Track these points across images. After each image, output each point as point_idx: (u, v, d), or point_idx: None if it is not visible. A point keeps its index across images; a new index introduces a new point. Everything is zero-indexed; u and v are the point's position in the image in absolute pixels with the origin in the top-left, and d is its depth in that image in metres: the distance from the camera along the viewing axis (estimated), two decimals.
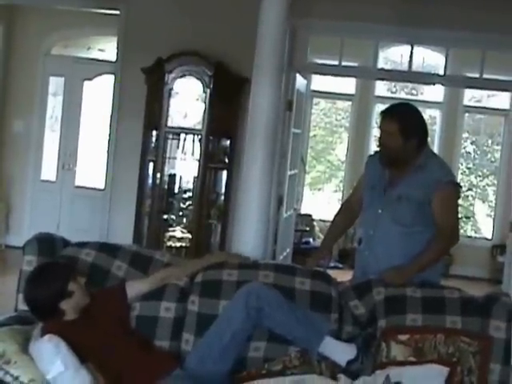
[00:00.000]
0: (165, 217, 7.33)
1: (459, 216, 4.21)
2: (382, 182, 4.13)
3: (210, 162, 7.18)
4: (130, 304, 3.65)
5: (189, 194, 7.36)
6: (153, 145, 7.33)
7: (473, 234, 11.76)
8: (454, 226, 4.11)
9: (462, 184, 11.41)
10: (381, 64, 9.53)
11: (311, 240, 10.72)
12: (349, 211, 4.51)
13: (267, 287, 3.58)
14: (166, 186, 7.34)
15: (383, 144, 4.06)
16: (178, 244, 7.15)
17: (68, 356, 3.13)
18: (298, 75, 7.39)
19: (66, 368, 3.09)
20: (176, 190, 7.43)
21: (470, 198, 12.06)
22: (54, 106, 10.08)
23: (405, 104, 4.30)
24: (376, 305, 3.68)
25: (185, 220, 7.31)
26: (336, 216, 4.56)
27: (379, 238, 4.07)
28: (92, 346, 3.31)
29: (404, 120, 3.99)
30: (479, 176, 12.07)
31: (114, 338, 3.42)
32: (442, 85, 9.54)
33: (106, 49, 9.83)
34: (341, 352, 3.46)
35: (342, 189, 11.86)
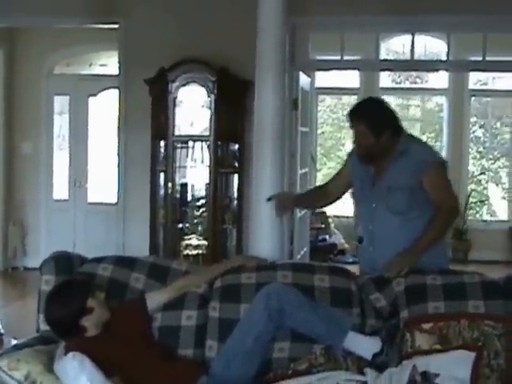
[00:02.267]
0: (180, 226, 7.34)
1: (452, 189, 4.19)
2: (368, 176, 4.14)
3: (220, 168, 7.18)
4: (151, 316, 3.65)
5: (202, 201, 7.37)
6: (162, 155, 7.33)
7: (488, 217, 11.72)
8: (451, 200, 4.11)
9: (474, 169, 11.54)
10: (383, 55, 9.50)
11: (327, 237, 10.71)
12: (326, 192, 4.55)
13: (287, 287, 3.56)
14: (178, 195, 7.35)
15: (359, 144, 4.08)
16: (195, 252, 7.15)
17: (93, 372, 3.12)
18: (301, 73, 7.39)
19: None
20: (189, 199, 7.43)
21: (483, 182, 12.01)
22: (61, 124, 10.12)
23: (368, 100, 4.27)
24: (397, 296, 3.66)
25: (200, 227, 7.31)
26: (311, 189, 4.58)
27: (380, 232, 4.07)
28: (116, 361, 3.30)
29: (370, 117, 4.00)
30: (490, 159, 12.02)
31: (138, 352, 3.41)
32: (446, 70, 9.52)
33: (108, 63, 9.85)
34: (365, 346, 3.45)
35: None
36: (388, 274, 3.80)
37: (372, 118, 4.01)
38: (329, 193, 4.52)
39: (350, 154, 4.42)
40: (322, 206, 4.76)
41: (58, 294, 3.51)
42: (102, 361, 3.22)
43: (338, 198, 4.57)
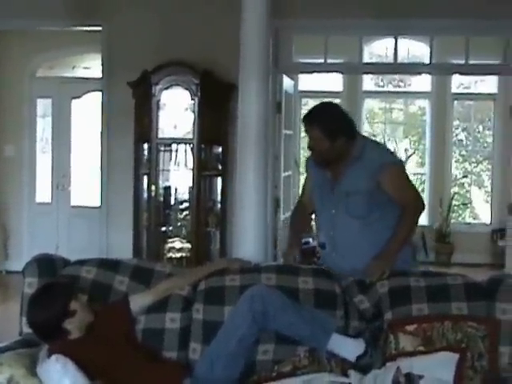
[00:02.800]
0: (163, 229, 7.32)
1: (414, 185, 4.27)
2: (326, 182, 4.14)
3: (203, 171, 7.17)
4: (134, 318, 3.64)
5: (185, 204, 7.35)
6: (145, 158, 7.31)
7: (471, 220, 11.76)
8: (414, 196, 4.15)
9: (456, 172, 11.58)
10: (366, 59, 9.52)
11: (311, 240, 10.69)
12: (303, 211, 4.52)
13: (270, 289, 3.56)
14: (161, 199, 7.33)
15: (313, 149, 4.07)
16: (178, 255, 7.14)
17: (76, 375, 3.11)
18: (284, 76, 7.40)
19: None
20: (172, 202, 7.41)
21: (466, 185, 12.05)
22: (44, 127, 10.07)
23: (322, 105, 4.24)
24: (381, 298, 3.67)
25: (183, 230, 7.30)
26: (293, 217, 4.58)
27: (341, 237, 4.08)
28: (100, 363, 3.29)
29: (325, 123, 3.98)
30: (473, 162, 12.06)
31: (122, 353, 3.40)
32: (429, 74, 9.57)
33: (92, 66, 9.80)
34: (349, 348, 3.45)
35: None
36: (369, 279, 3.80)
37: (326, 123, 3.99)
38: (308, 207, 4.47)
39: (307, 161, 4.41)
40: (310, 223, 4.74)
41: (41, 297, 3.49)
42: (85, 363, 3.21)
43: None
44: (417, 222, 4.16)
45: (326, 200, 4.13)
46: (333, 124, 4.00)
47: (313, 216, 4.47)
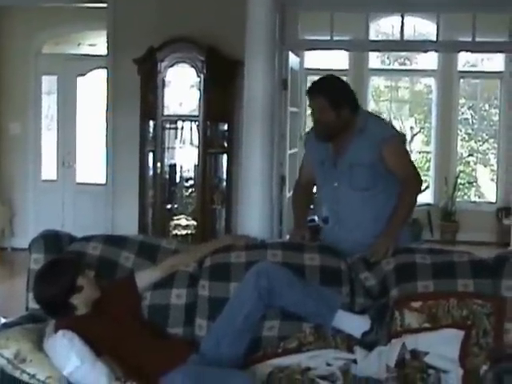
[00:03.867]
0: (168, 206, 7.33)
1: (413, 162, 4.29)
2: (328, 155, 4.13)
3: (209, 148, 7.16)
4: (140, 294, 3.65)
5: (191, 181, 7.35)
6: (151, 135, 7.31)
7: (477, 199, 11.75)
8: (414, 171, 4.15)
9: (462, 150, 11.56)
10: (372, 37, 9.49)
11: (316, 218, 10.70)
12: (304, 192, 4.52)
13: (276, 266, 3.57)
14: (167, 176, 7.33)
15: (317, 120, 4.08)
16: (184, 232, 7.15)
17: (83, 350, 3.13)
18: (290, 53, 7.36)
19: (82, 362, 3.08)
20: (177, 180, 7.41)
21: (472, 164, 12.04)
22: (49, 104, 10.07)
23: (326, 77, 4.27)
24: (386, 275, 3.67)
25: (189, 208, 7.30)
26: (294, 197, 4.57)
27: (345, 210, 4.08)
28: (106, 339, 3.31)
29: (330, 93, 4.01)
30: (479, 141, 12.03)
31: (128, 329, 3.42)
32: (435, 51, 9.49)
33: (97, 43, 9.78)
34: (355, 324, 3.46)
35: None
36: (374, 259, 3.80)
37: (331, 92, 4.01)
38: (307, 190, 4.49)
39: (306, 139, 4.42)
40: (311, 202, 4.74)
41: (48, 273, 3.50)
42: (91, 339, 3.22)
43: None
44: (416, 198, 4.16)
45: (328, 174, 4.13)
46: (337, 94, 4.03)
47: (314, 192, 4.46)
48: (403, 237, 4.08)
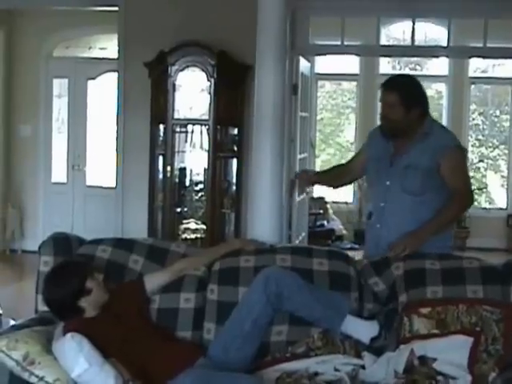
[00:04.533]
0: (178, 210, 7.33)
1: (471, 180, 4.27)
2: (386, 154, 4.15)
3: (219, 152, 7.16)
4: (149, 297, 3.65)
5: (200, 185, 7.35)
6: (161, 139, 7.31)
7: (487, 205, 11.71)
8: (468, 188, 4.15)
9: (472, 156, 11.54)
10: (383, 42, 9.48)
11: (325, 222, 10.72)
12: (342, 170, 4.62)
13: (285, 270, 3.57)
14: (177, 180, 7.33)
15: (386, 116, 4.09)
16: (193, 236, 7.15)
17: (91, 353, 3.13)
18: (301, 58, 7.36)
19: (90, 365, 3.09)
20: (187, 183, 7.42)
21: (482, 170, 12.00)
22: (60, 107, 10.10)
23: (404, 75, 4.34)
24: (396, 280, 3.67)
25: (198, 211, 7.30)
26: (335, 166, 4.62)
27: (390, 210, 4.10)
28: (114, 341, 3.31)
29: (405, 90, 4.03)
30: (490, 147, 12.01)
31: (136, 332, 3.42)
32: (446, 57, 9.51)
33: (108, 47, 9.81)
34: (363, 330, 3.46)
35: None
36: (391, 253, 3.80)
37: (406, 90, 4.03)
38: (346, 173, 4.56)
39: (370, 134, 4.46)
40: (338, 186, 4.80)
41: (57, 275, 3.51)
42: (99, 341, 3.23)
43: (352, 180, 4.64)
44: (461, 212, 4.15)
45: (383, 172, 4.14)
46: (412, 94, 4.05)
47: (341, 187, 4.51)
48: (446, 243, 4.13)
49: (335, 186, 4.93)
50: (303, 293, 3.45)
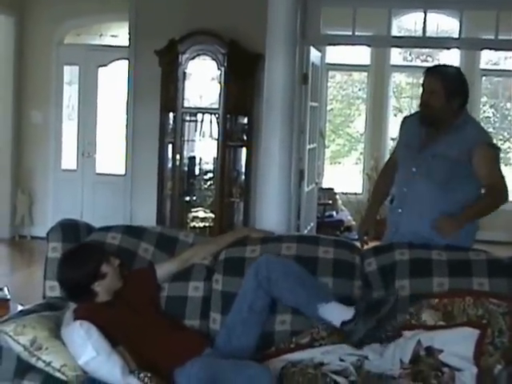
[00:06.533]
0: (187, 198, 7.35)
1: (502, 172, 4.19)
2: (416, 140, 4.15)
3: (228, 141, 7.18)
4: (159, 285, 3.66)
5: (209, 174, 7.37)
6: (170, 127, 7.33)
7: None
8: (503, 183, 4.11)
9: None
10: (395, 33, 9.46)
11: (334, 213, 10.71)
12: (386, 177, 4.53)
13: (278, 257, 3.60)
14: (186, 168, 7.35)
15: (425, 103, 4.08)
16: (202, 224, 7.18)
17: (99, 341, 3.13)
18: (312, 48, 7.35)
19: (97, 353, 3.09)
20: (196, 172, 7.43)
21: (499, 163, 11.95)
22: (70, 94, 10.10)
23: (449, 65, 4.35)
24: (401, 268, 3.65)
25: (207, 200, 7.32)
26: (376, 183, 4.62)
27: (413, 196, 4.10)
28: (124, 328, 3.32)
29: (449, 79, 4.04)
30: (500, 140, 11.97)
31: (146, 319, 3.43)
32: (458, 48, 9.46)
33: (119, 34, 9.82)
34: (337, 313, 3.41)
35: (362, 161, 11.81)
36: (441, 232, 3.82)
37: (450, 79, 4.04)
38: (392, 175, 4.46)
39: (403, 120, 4.46)
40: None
41: (74, 256, 3.53)
42: (109, 327, 3.24)
43: None
44: (496, 206, 4.11)
45: (410, 158, 4.15)
46: (455, 84, 4.05)
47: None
48: (469, 235, 4.17)
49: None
50: (289, 277, 3.45)
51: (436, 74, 4.07)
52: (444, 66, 4.33)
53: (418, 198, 4.08)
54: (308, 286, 3.48)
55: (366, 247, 4.15)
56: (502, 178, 4.14)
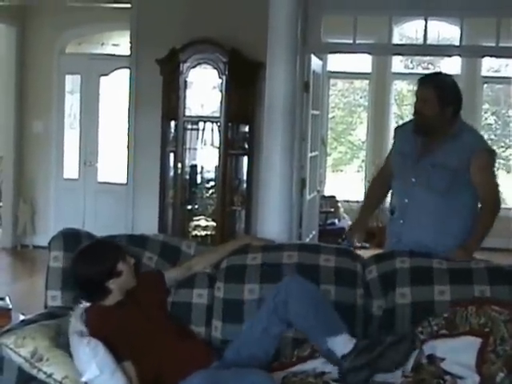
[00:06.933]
0: (189, 207, 7.35)
1: (497, 181, 4.23)
2: (413, 150, 4.14)
3: (230, 149, 7.18)
4: (168, 289, 3.65)
5: (211, 183, 7.37)
6: (172, 135, 7.33)
7: None
8: (495, 191, 4.14)
9: None
10: (396, 41, 9.47)
11: (336, 221, 10.71)
12: (381, 183, 4.52)
13: (304, 281, 3.42)
14: (187, 177, 7.35)
15: (419, 112, 4.09)
16: (203, 233, 7.17)
17: (104, 359, 3.08)
18: (313, 56, 7.36)
19: (101, 372, 3.04)
20: (198, 180, 7.43)
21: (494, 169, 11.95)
22: (72, 103, 10.12)
23: (443, 73, 4.36)
24: (402, 277, 3.64)
25: (209, 209, 7.32)
26: (368, 190, 4.58)
27: (414, 206, 4.09)
28: (134, 333, 3.29)
29: (442, 87, 4.04)
30: (502, 147, 11.97)
31: (156, 324, 3.41)
32: (459, 56, 9.47)
33: (120, 43, 9.84)
34: (342, 346, 3.29)
35: (364, 169, 11.81)
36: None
37: (443, 88, 4.05)
38: (386, 180, 4.44)
39: (396, 130, 4.49)
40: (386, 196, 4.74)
41: (91, 252, 3.50)
42: (120, 330, 3.23)
43: None
44: (495, 217, 4.13)
45: (408, 168, 4.13)
46: (448, 91, 4.06)
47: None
48: None
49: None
50: (304, 304, 3.33)
51: (429, 83, 4.07)
52: (436, 74, 4.37)
53: (420, 208, 4.08)
54: (321, 316, 3.33)
55: (366, 255, 4.15)
56: (497, 186, 4.17)
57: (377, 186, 4.57)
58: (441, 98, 4.00)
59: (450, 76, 4.29)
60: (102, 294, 3.43)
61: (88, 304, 3.44)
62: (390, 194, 4.43)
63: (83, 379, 3.06)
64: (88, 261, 3.45)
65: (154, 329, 3.38)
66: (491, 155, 4.19)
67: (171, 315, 3.62)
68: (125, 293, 3.47)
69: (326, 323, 3.34)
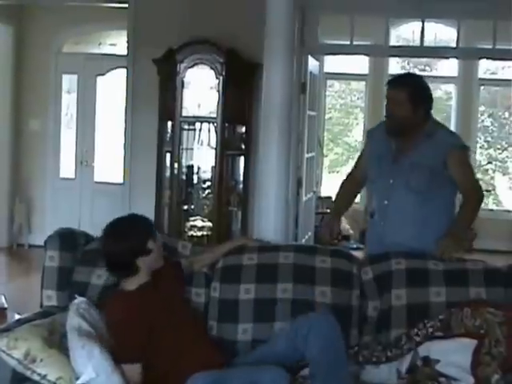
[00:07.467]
0: (185, 207, 7.34)
1: (475, 174, 4.35)
2: (389, 152, 4.15)
3: (226, 150, 7.17)
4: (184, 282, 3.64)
5: (208, 183, 7.37)
6: (169, 136, 7.33)
7: (494, 207, 11.69)
8: (476, 184, 4.19)
9: (481, 158, 11.52)
10: (393, 42, 9.46)
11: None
12: (353, 184, 4.53)
13: (333, 322, 3.23)
14: (184, 177, 7.35)
15: (391, 113, 4.10)
16: (199, 233, 7.16)
17: (100, 362, 3.08)
18: (310, 57, 7.36)
19: (97, 375, 3.05)
20: (195, 181, 7.43)
21: (490, 172, 11.99)
22: (69, 103, 10.12)
23: (410, 73, 4.38)
24: (397, 278, 3.65)
25: (205, 209, 7.32)
26: (341, 187, 4.56)
27: (394, 208, 4.10)
28: (155, 320, 3.27)
29: (412, 88, 4.04)
30: (498, 149, 11.99)
31: (177, 318, 3.37)
32: (456, 58, 9.47)
33: (117, 43, 9.84)
34: None
35: None
36: (446, 255, 3.76)
37: (415, 88, 4.05)
38: (359, 181, 4.48)
39: (369, 133, 4.50)
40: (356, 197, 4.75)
41: (123, 227, 3.46)
42: (140, 316, 3.23)
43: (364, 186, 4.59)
44: (478, 209, 4.15)
45: (386, 170, 4.14)
46: (420, 92, 4.08)
47: (358, 195, 4.44)
48: None
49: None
50: (321, 347, 3.12)
51: (399, 85, 4.08)
52: (406, 74, 4.36)
53: (399, 209, 4.09)
54: (332, 365, 3.11)
55: (361, 256, 4.16)
56: (477, 180, 4.27)
57: (349, 189, 4.55)
58: (412, 100, 4.00)
59: (418, 75, 4.36)
60: (130, 272, 3.38)
61: (82, 299, 3.42)
62: (366, 198, 4.45)
63: (79, 382, 3.05)
64: (120, 236, 3.41)
65: (174, 323, 3.34)
66: (466, 150, 4.21)
67: (194, 310, 3.60)
68: (151, 273, 3.43)
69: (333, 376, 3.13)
